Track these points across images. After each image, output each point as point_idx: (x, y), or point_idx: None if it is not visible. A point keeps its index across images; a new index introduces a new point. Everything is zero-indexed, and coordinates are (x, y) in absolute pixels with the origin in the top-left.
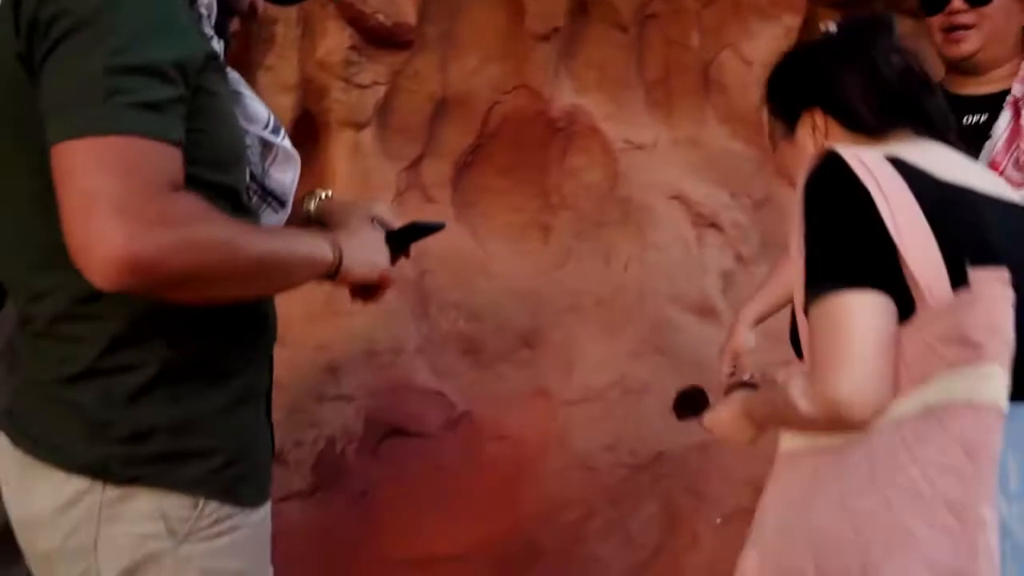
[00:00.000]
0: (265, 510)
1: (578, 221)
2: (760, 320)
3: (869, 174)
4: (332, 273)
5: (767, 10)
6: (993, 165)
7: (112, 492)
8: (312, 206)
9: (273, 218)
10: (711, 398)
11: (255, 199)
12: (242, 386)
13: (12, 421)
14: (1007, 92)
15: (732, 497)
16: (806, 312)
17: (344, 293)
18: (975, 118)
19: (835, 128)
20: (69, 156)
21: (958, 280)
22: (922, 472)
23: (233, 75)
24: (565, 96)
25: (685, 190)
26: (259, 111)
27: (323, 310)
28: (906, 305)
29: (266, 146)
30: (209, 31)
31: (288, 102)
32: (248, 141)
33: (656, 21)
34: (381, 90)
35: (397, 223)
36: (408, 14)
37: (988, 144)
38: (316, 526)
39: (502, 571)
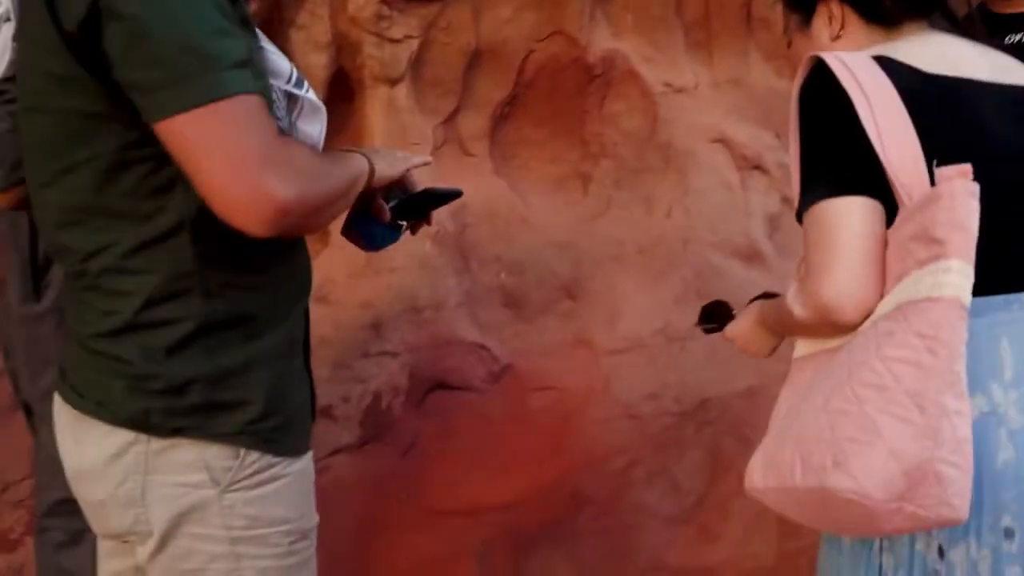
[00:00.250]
0: (307, 459)
1: (618, 169)
2: None
3: (852, 78)
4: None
5: None
6: None
7: (156, 444)
8: None
9: None
10: (735, 311)
11: None
12: (278, 339)
13: (64, 379)
14: None
15: None
16: (800, 219)
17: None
18: (1018, 37)
19: (852, 17)
20: (200, 122)
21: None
22: (886, 367)
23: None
24: (602, 41)
25: (728, 132)
26: (282, 65)
27: (365, 268)
28: (893, 208)
29: (291, 99)
30: None
31: (322, 60)
32: (273, 96)
33: None
34: (414, 44)
35: (418, 185)
36: None
37: None
38: (365, 479)
39: (548, 520)
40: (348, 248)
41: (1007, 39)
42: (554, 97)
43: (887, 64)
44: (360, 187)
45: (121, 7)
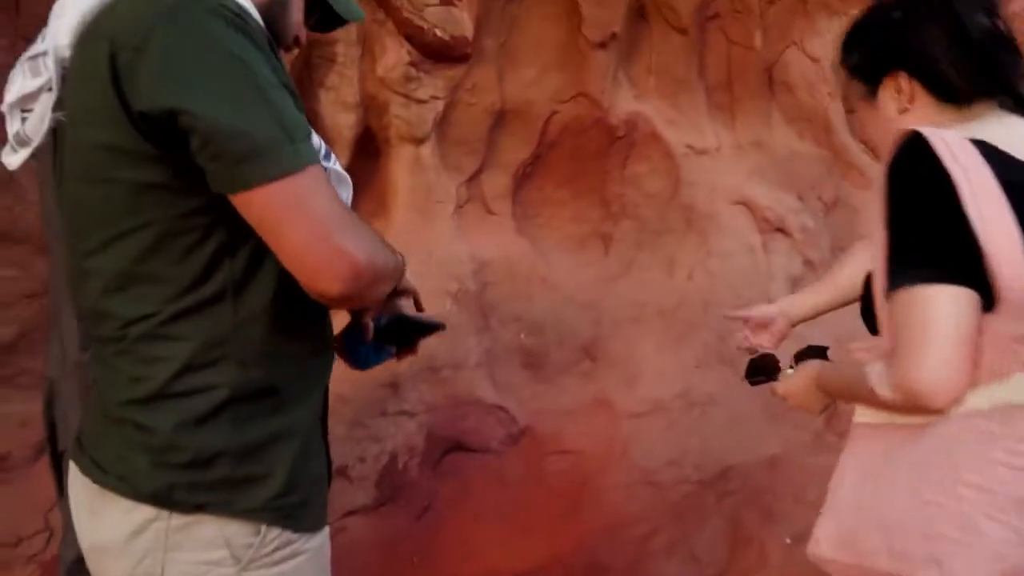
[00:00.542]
0: (324, 534)
1: (640, 230)
2: (801, 320)
3: (954, 159)
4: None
5: (834, 5)
6: None
7: (178, 520)
8: None
9: None
10: (783, 364)
11: None
12: (302, 413)
13: (81, 449)
14: None
15: (802, 517)
16: (887, 297)
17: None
18: None
19: (921, 93)
20: (278, 194)
21: None
22: (990, 469)
23: None
24: (624, 103)
25: (750, 195)
26: (312, 137)
27: None
28: (989, 294)
29: None
30: None
31: (350, 120)
32: None
33: (717, 22)
34: (440, 104)
35: (408, 312)
36: (466, 28)
37: None
38: (380, 541)
39: None
40: None
41: None
42: (577, 157)
43: (982, 148)
44: (401, 276)
45: (201, 102)
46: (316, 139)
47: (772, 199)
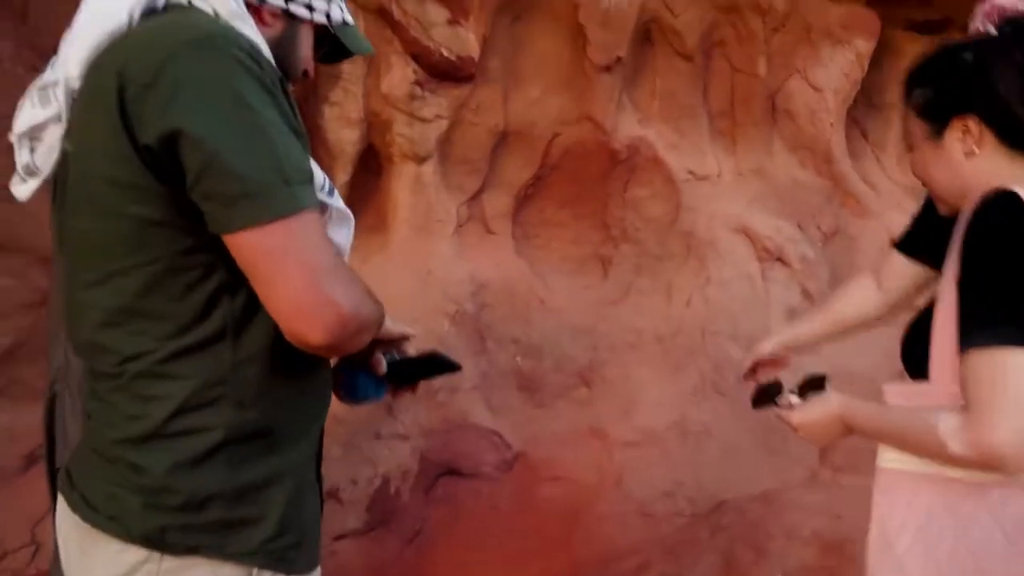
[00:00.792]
0: (316, 573)
1: (639, 255)
2: (791, 348)
3: None
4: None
5: (838, 35)
6: None
7: (169, 562)
8: None
9: None
10: (787, 389)
11: None
12: (297, 454)
13: (71, 484)
14: None
15: (795, 553)
16: (963, 353)
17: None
18: None
19: (989, 138)
20: (271, 236)
21: None
22: None
23: None
24: (628, 127)
25: (750, 223)
26: (316, 174)
27: None
28: None
29: (321, 206)
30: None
31: (353, 136)
32: None
33: (722, 49)
34: (444, 123)
35: (411, 351)
36: (472, 48)
37: None
38: (370, 565)
39: None
40: None
41: None
42: (578, 180)
43: None
44: (381, 326)
45: (202, 127)
46: (319, 174)
47: (772, 228)
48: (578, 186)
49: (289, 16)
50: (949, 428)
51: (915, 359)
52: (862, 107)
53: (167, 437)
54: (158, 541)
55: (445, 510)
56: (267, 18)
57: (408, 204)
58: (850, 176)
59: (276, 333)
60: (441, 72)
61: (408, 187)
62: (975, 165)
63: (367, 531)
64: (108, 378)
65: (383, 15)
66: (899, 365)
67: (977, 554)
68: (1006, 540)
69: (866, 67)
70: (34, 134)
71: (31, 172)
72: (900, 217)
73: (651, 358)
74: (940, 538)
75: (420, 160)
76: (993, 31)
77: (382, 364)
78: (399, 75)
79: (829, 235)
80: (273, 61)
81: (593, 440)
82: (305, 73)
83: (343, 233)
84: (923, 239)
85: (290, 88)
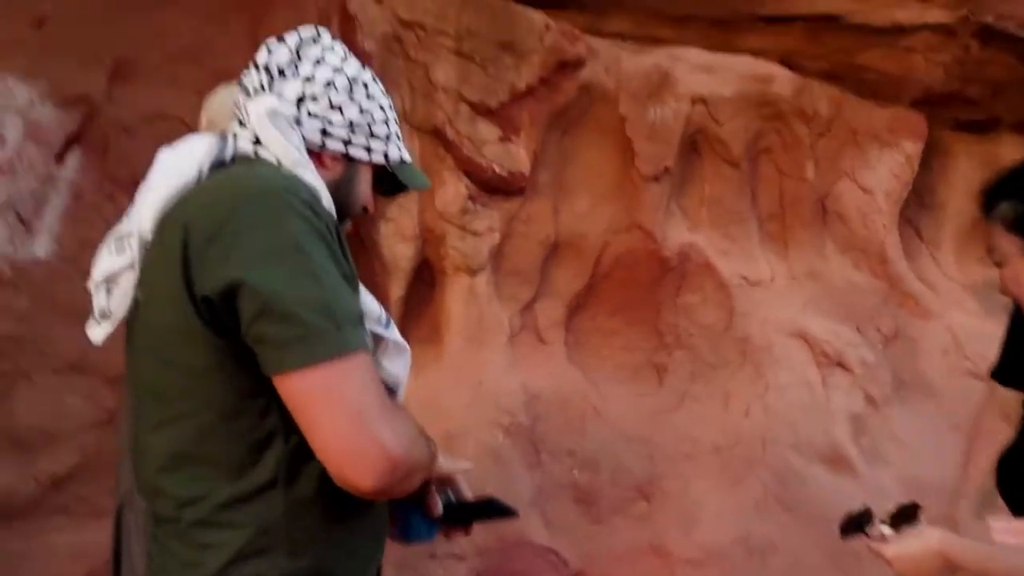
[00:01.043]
0: None
1: (693, 361)
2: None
3: None
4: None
5: (885, 137)
6: None
7: None
8: None
9: None
10: (878, 518)
11: None
12: None
13: None
14: None
15: None
16: None
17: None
18: None
19: None
20: (321, 378)
21: None
22: None
23: None
24: (677, 234)
25: (807, 327)
26: (372, 307)
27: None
28: None
29: (378, 339)
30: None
31: (408, 251)
32: None
33: (768, 155)
34: (496, 236)
35: (469, 494)
36: (523, 163)
37: None
38: None
39: None
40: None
41: None
42: (629, 288)
43: None
44: (433, 465)
45: (257, 276)
46: (375, 306)
47: (829, 332)
48: (630, 294)
49: (348, 159)
50: None
51: (1013, 488)
52: (914, 207)
53: None
54: None
55: None
56: (327, 162)
57: (461, 315)
58: (907, 276)
59: (328, 477)
60: (493, 187)
61: (461, 299)
62: None
63: None
64: (167, 522)
65: (437, 135)
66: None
67: None
68: None
69: (916, 167)
70: (110, 280)
71: (105, 316)
72: (962, 317)
73: (710, 469)
74: None
75: (473, 272)
76: None
77: (438, 506)
78: (452, 191)
79: (889, 337)
80: (332, 203)
81: (654, 558)
82: (365, 209)
83: (400, 365)
84: (1016, 365)
85: (345, 230)
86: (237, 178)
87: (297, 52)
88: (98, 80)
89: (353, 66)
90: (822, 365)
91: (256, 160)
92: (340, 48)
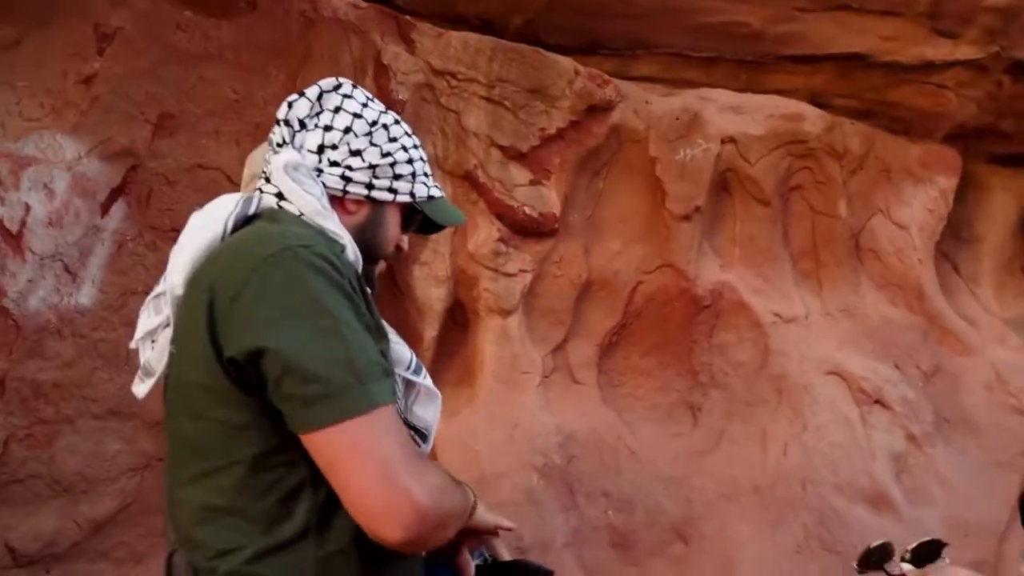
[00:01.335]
0: None
1: (729, 401)
2: None
3: None
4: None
5: (919, 172)
6: None
7: None
8: None
9: None
10: (899, 554)
11: None
12: None
13: None
14: None
15: None
16: None
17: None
18: None
19: None
20: (347, 434)
21: None
22: None
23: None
24: (710, 272)
25: (844, 364)
26: (403, 354)
27: None
28: None
29: (409, 385)
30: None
31: (440, 293)
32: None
33: (799, 192)
34: (528, 277)
35: (505, 554)
36: (554, 205)
37: None
38: None
39: None
40: None
41: None
42: (662, 327)
43: None
44: (470, 514)
45: (281, 339)
46: (406, 353)
47: (867, 369)
48: (663, 333)
49: (373, 201)
50: None
51: None
52: (951, 242)
53: None
54: None
55: None
56: (351, 207)
57: (494, 357)
58: (945, 312)
59: (359, 529)
60: (524, 229)
61: (494, 340)
62: None
63: None
64: (205, 573)
65: (468, 179)
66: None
67: None
68: None
69: (951, 202)
70: (151, 337)
71: (148, 373)
72: (1004, 352)
73: (749, 511)
74: None
75: (506, 314)
76: None
77: (470, 566)
78: (484, 234)
79: (929, 374)
80: (358, 248)
81: None
82: (398, 249)
83: (431, 411)
84: None
85: (379, 271)
86: (257, 237)
87: (318, 103)
88: (142, 133)
89: (374, 110)
90: (861, 403)
91: (279, 212)
92: (361, 94)
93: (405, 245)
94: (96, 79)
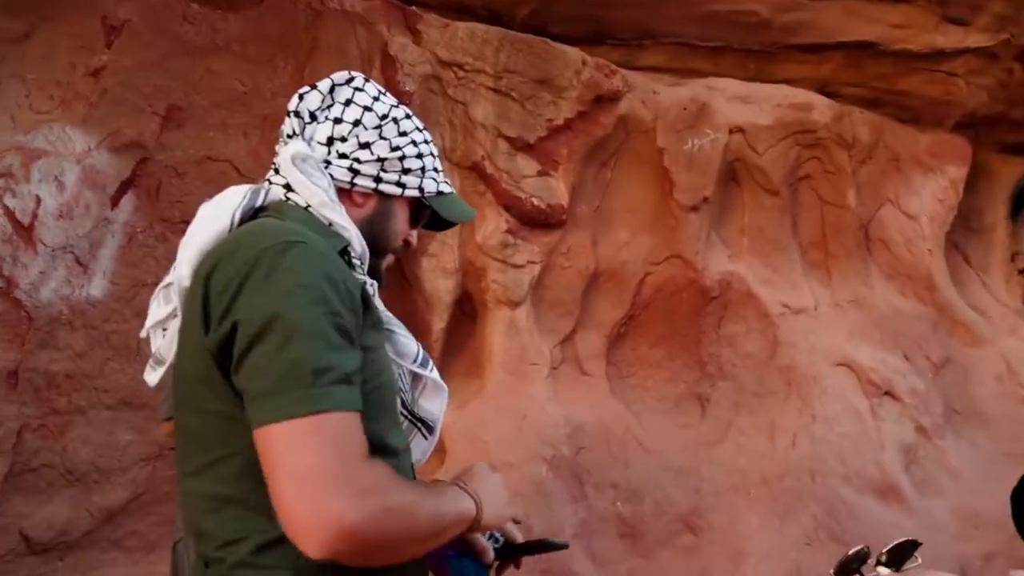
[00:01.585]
0: None
1: (737, 392)
2: None
3: None
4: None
5: (929, 162)
6: None
7: None
8: None
9: (423, 444)
10: (874, 558)
11: (406, 425)
12: None
13: None
14: None
15: None
16: None
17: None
18: None
19: None
20: (281, 436)
21: None
22: None
23: (386, 315)
24: (718, 263)
25: (853, 355)
26: (410, 347)
27: None
28: None
29: (416, 378)
30: (362, 277)
31: (449, 285)
32: (399, 373)
33: (808, 182)
34: (536, 268)
35: (519, 537)
36: (561, 196)
37: None
38: None
39: None
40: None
41: None
42: (671, 318)
43: None
44: (457, 530)
45: (242, 332)
46: (412, 347)
47: (876, 360)
48: (671, 324)
49: (381, 195)
50: None
51: None
52: (961, 231)
53: None
54: None
55: None
56: (358, 199)
57: (503, 348)
58: (956, 303)
59: None
60: (532, 220)
61: (502, 331)
62: None
63: None
64: (214, 563)
65: (476, 170)
66: None
67: None
68: None
69: (961, 192)
70: (162, 326)
71: (159, 361)
72: (1016, 343)
73: (758, 502)
74: None
75: (514, 305)
76: None
77: (489, 554)
78: (492, 225)
79: (939, 365)
80: (364, 241)
81: None
82: (407, 243)
83: (437, 404)
84: None
85: (387, 264)
86: (255, 232)
87: (329, 95)
88: (151, 126)
89: (385, 104)
90: (870, 394)
91: (284, 204)
92: (372, 88)
93: (414, 240)
94: (104, 71)
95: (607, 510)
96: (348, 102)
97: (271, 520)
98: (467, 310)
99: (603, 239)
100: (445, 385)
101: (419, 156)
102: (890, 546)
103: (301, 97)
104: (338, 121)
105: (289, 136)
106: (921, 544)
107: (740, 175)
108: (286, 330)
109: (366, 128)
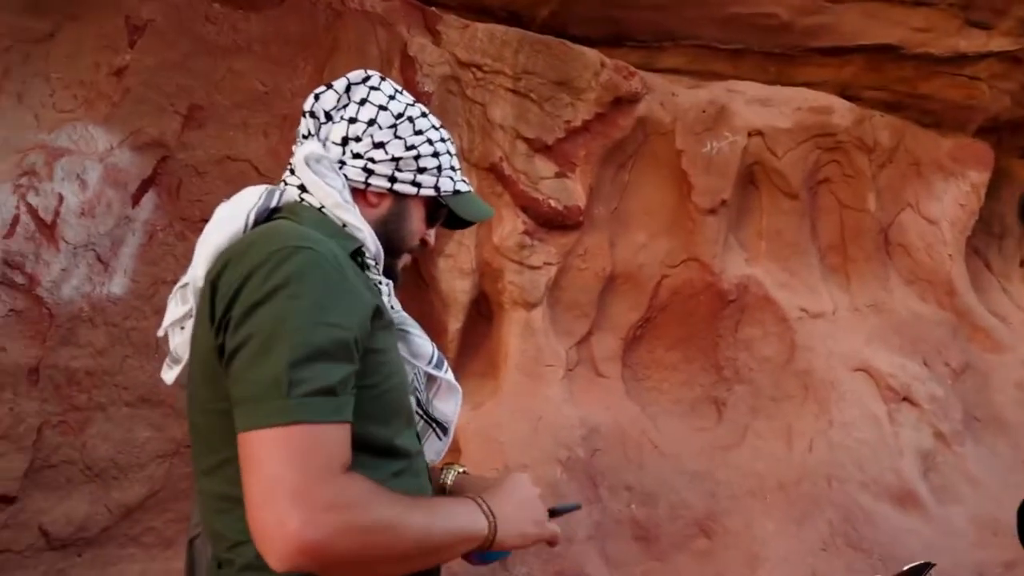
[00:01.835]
0: None
1: (754, 396)
2: None
3: None
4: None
5: (950, 167)
6: None
7: None
8: (449, 479)
9: (437, 444)
10: None
11: (420, 425)
12: None
13: None
14: None
15: None
16: None
17: None
18: None
19: None
20: (253, 445)
21: None
22: None
23: (400, 315)
24: (736, 266)
25: (871, 360)
26: (424, 348)
27: None
28: None
29: (430, 379)
30: (376, 277)
31: (465, 285)
32: (414, 374)
33: (828, 186)
34: (552, 270)
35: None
36: (579, 197)
37: None
38: None
39: None
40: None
41: None
42: (687, 321)
43: None
44: (461, 547)
45: (241, 321)
46: (427, 348)
47: (895, 365)
48: (687, 327)
49: (396, 194)
50: None
51: None
52: (982, 237)
53: None
54: None
55: None
56: (373, 199)
57: (518, 349)
58: (976, 309)
59: None
60: (550, 221)
61: (518, 333)
62: None
63: None
64: (226, 564)
65: (494, 171)
66: None
67: None
68: None
69: (983, 197)
70: (179, 324)
71: (176, 360)
72: None
73: (774, 507)
74: None
75: (530, 306)
76: None
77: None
78: (509, 226)
79: (958, 371)
80: (378, 240)
81: None
82: (423, 243)
83: (451, 405)
84: None
85: (403, 264)
86: (265, 235)
87: (345, 94)
88: (172, 125)
89: (400, 103)
90: (888, 400)
91: (298, 205)
92: (389, 87)
93: (431, 239)
94: (127, 71)
95: (621, 512)
96: (363, 101)
97: None
98: (483, 311)
99: (620, 241)
100: (459, 387)
101: (435, 155)
102: (903, 570)
103: (317, 97)
104: (353, 121)
105: (305, 136)
106: (935, 565)
107: (759, 178)
108: (270, 337)
109: (381, 127)
